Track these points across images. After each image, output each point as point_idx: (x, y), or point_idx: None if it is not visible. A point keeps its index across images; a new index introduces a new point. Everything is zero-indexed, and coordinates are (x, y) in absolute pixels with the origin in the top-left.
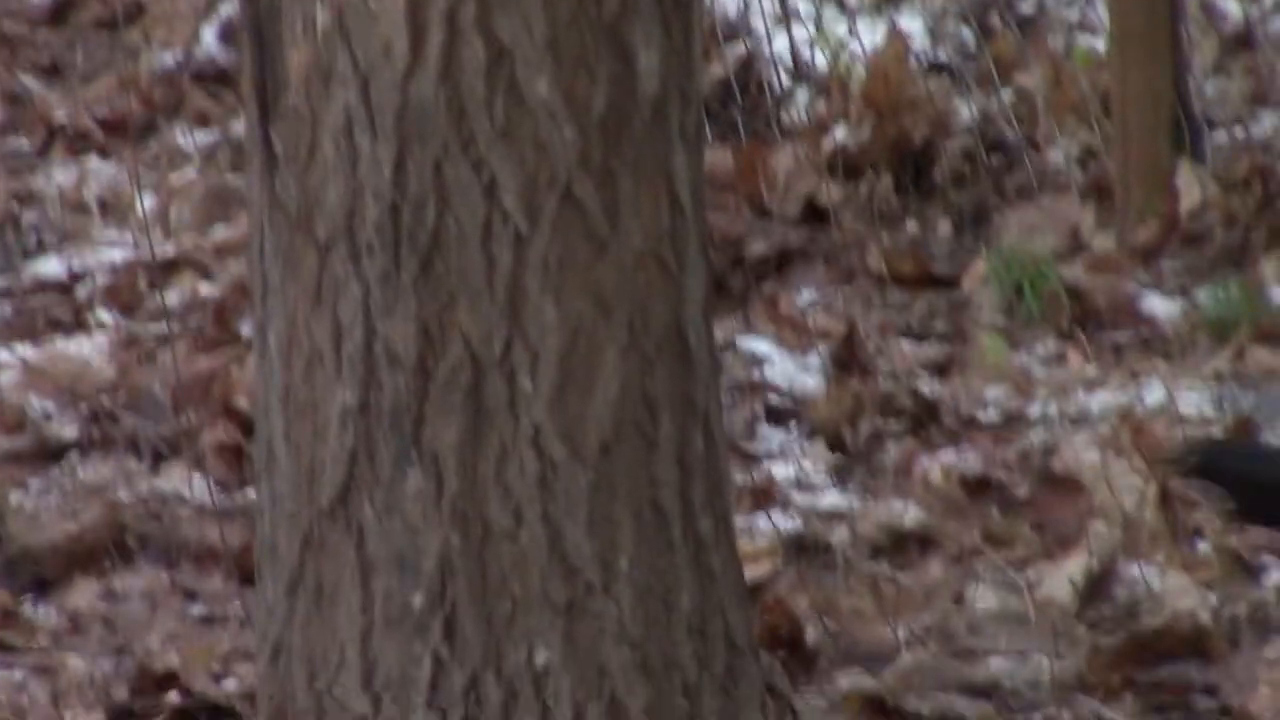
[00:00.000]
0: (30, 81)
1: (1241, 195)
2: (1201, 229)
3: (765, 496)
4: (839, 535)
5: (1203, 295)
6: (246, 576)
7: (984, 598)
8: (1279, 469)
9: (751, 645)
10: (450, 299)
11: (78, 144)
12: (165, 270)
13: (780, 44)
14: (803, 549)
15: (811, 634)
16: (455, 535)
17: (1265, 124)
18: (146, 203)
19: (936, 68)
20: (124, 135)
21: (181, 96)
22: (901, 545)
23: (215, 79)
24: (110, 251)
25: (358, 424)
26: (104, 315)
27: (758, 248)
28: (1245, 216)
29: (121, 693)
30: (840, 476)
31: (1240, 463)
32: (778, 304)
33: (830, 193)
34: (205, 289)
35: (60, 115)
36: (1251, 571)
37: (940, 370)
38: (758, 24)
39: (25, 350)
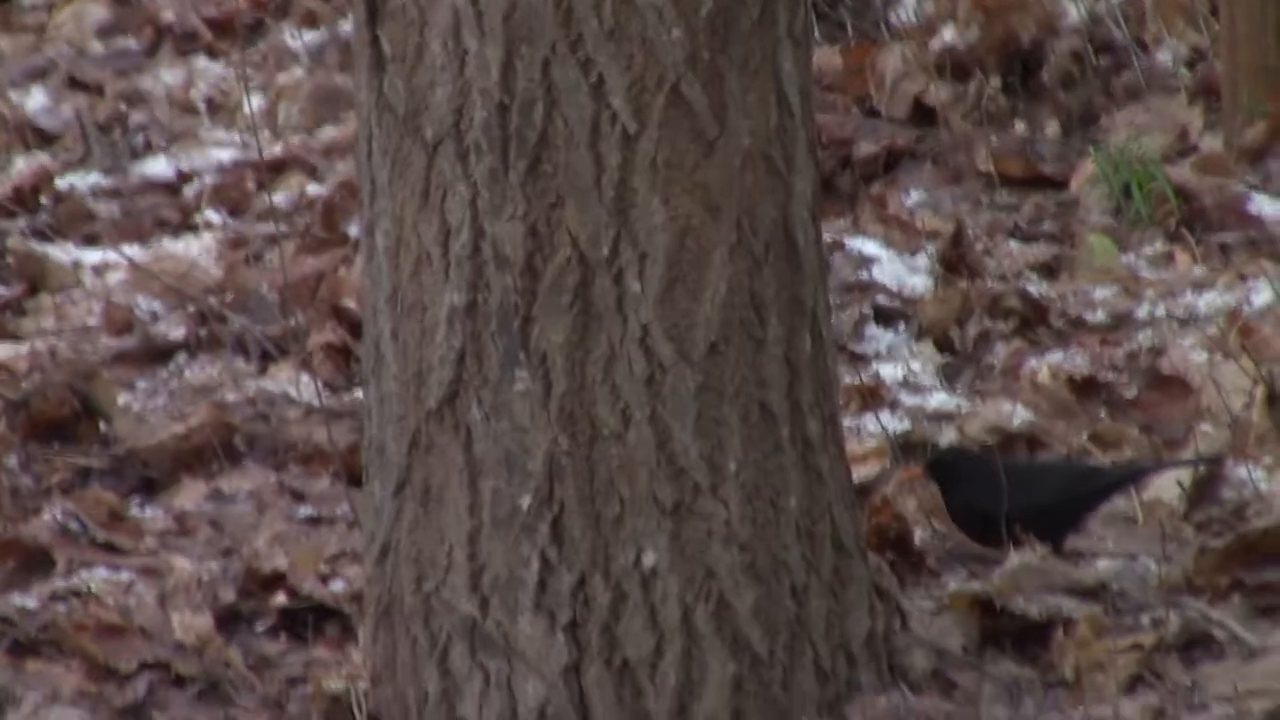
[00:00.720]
0: None
1: None
2: None
3: (873, 397)
4: (947, 436)
5: None
6: (354, 478)
7: None
8: None
9: (859, 547)
10: (558, 199)
11: (185, 45)
12: (272, 171)
13: None
14: (911, 450)
15: (919, 535)
16: (563, 436)
17: None
18: (254, 103)
19: None
20: (232, 35)
21: None
22: (1009, 446)
23: None
24: (218, 152)
25: (465, 325)
26: (211, 216)
27: (866, 148)
28: None
29: (229, 594)
30: (948, 377)
31: None
32: (886, 204)
33: (938, 93)
34: (312, 189)
35: (168, 16)
36: None
37: (1048, 271)
38: None
39: (133, 251)
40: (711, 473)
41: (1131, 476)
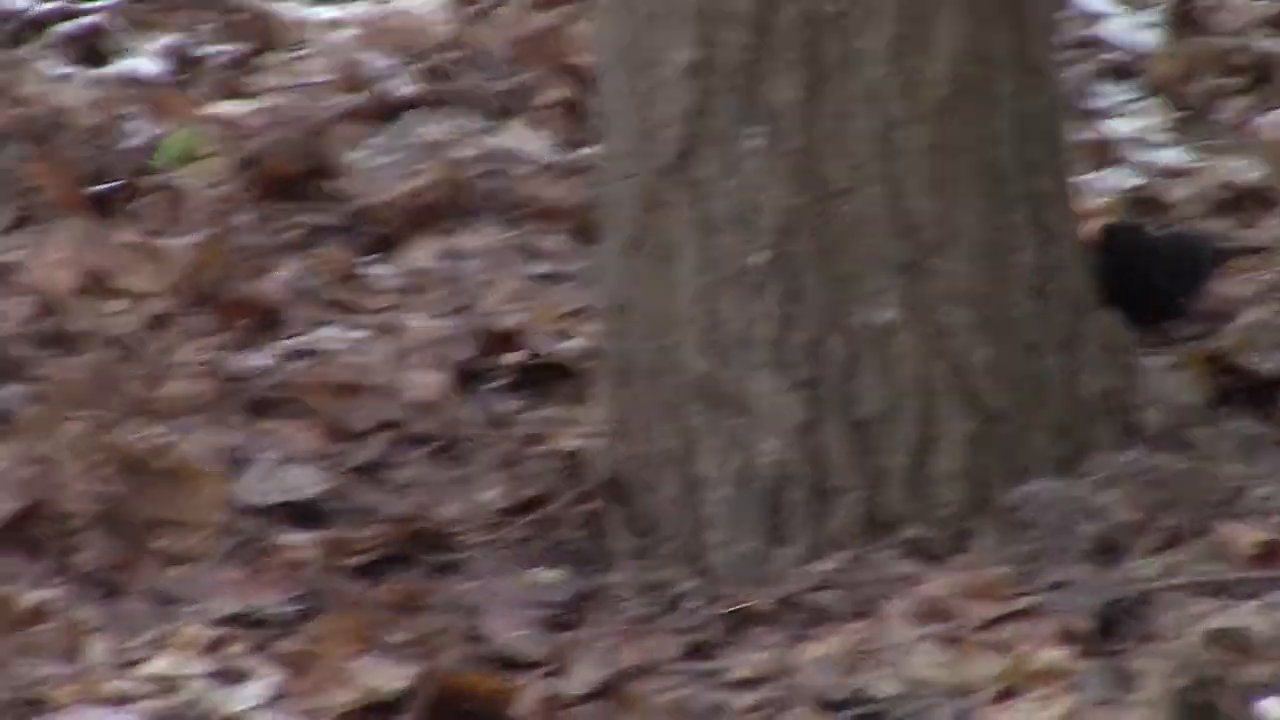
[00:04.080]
0: None
1: None
2: None
3: (1103, 154)
4: (1178, 192)
5: None
6: (588, 235)
7: None
8: None
9: (1092, 304)
10: None
11: None
12: None
13: None
14: (1142, 207)
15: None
16: (795, 193)
17: None
18: None
19: None
20: None
21: None
22: (1240, 202)
23: None
24: None
25: (696, 81)
26: None
27: None
28: None
29: (463, 352)
30: (1179, 133)
31: None
32: None
33: None
34: None
35: None
36: None
37: (1278, 26)
38: None
39: (363, 9)
40: (943, 230)
41: None
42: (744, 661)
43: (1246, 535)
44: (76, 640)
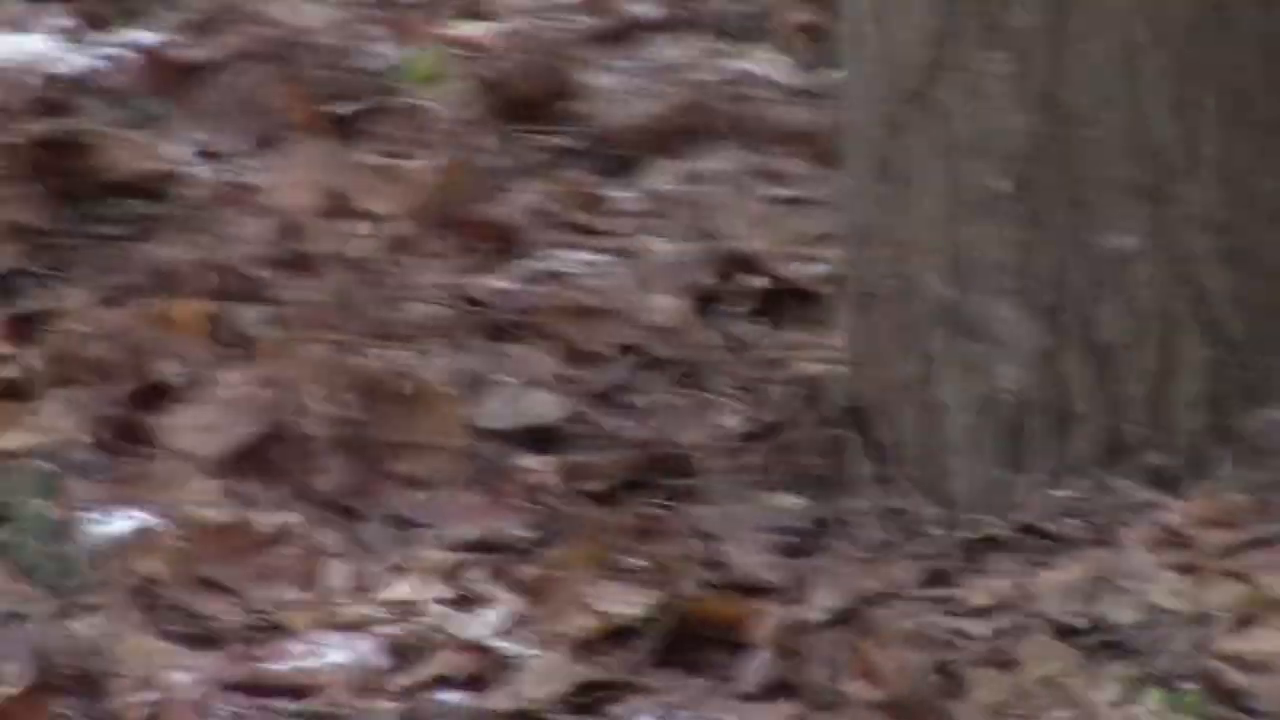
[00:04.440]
0: None
1: None
2: None
3: None
4: None
5: None
6: (830, 159)
7: None
8: None
9: None
10: None
11: None
12: None
13: None
14: None
15: None
16: (1039, 118)
17: None
18: None
19: None
20: None
21: None
22: None
23: None
24: None
25: (943, 5)
26: None
27: None
28: None
29: (705, 276)
30: None
31: None
32: None
33: None
34: None
35: None
36: None
37: None
38: None
39: None
40: (1187, 155)
41: None
42: (983, 588)
43: None
44: (315, 565)
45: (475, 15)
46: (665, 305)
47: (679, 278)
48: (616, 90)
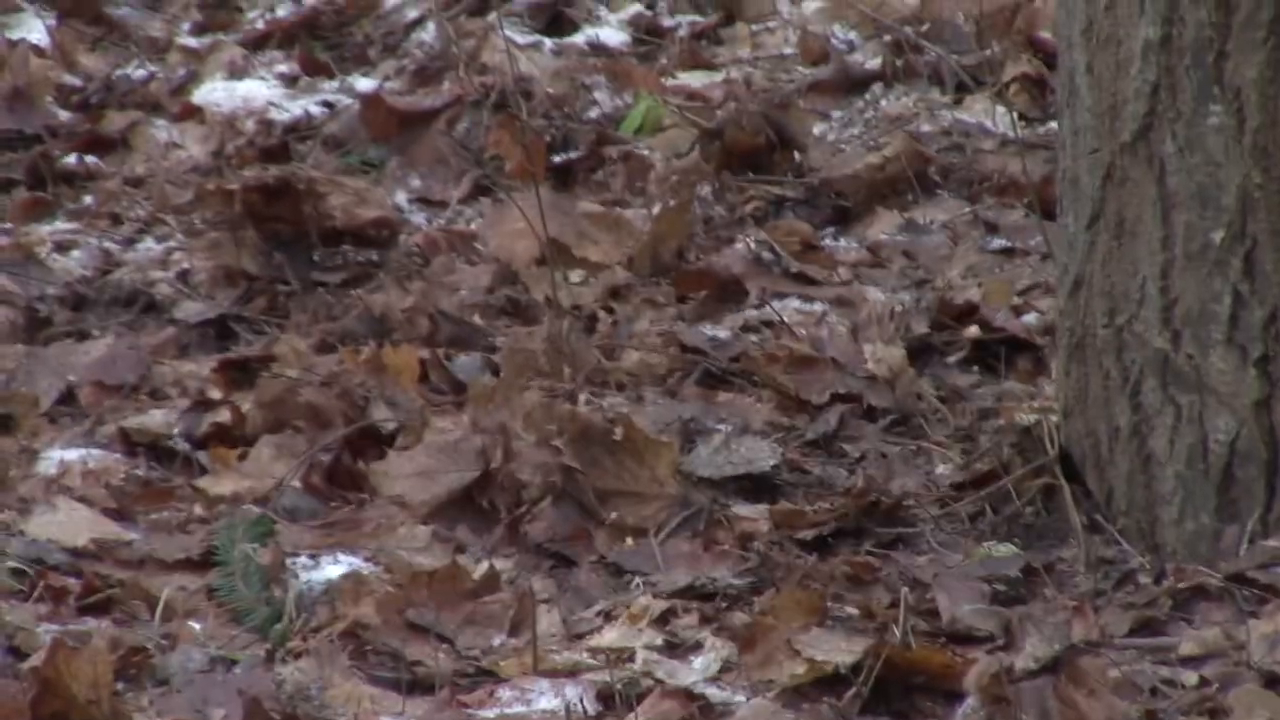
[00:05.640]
0: None
1: None
2: None
3: None
4: None
5: None
6: (1047, 210)
7: None
8: None
9: None
10: None
11: None
12: None
13: None
14: None
15: None
16: (1256, 171)
17: None
18: None
19: None
20: None
21: None
22: None
23: None
24: None
25: (1159, 58)
26: None
27: None
28: None
29: (921, 325)
30: None
31: None
32: None
33: None
34: None
35: None
36: None
37: None
38: None
39: None
40: None
41: None
42: (1193, 637)
43: None
44: (524, 611)
45: (695, 65)
46: (881, 354)
47: (895, 326)
48: (834, 140)
